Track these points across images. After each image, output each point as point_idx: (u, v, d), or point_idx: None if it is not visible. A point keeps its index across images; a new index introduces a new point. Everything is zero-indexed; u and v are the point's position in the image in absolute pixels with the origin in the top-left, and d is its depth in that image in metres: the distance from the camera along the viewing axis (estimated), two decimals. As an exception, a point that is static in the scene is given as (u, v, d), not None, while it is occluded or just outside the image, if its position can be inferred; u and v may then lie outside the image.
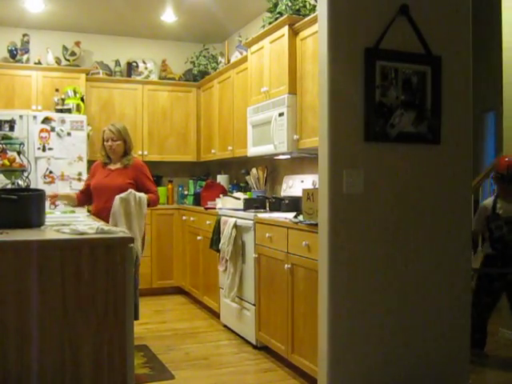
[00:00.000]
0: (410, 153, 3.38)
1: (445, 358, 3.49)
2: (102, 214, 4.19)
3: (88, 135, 6.38)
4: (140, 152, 6.66)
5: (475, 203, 5.56)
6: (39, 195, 3.00)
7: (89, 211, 4.83)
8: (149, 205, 4.36)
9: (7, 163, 3.55)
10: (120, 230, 2.74)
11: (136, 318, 3.93)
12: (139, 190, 4.31)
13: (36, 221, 2.91)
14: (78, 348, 2.47)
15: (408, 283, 3.34)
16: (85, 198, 4.66)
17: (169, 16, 6.27)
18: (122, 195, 4.09)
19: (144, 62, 7.21)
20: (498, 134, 6.95)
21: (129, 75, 7.12)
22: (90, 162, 6.25)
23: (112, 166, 4.52)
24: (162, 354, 4.25)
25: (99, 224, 2.90)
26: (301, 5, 4.67)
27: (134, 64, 7.16)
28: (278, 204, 4.81)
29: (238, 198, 5.29)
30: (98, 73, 6.87)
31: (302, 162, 5.24)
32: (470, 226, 3.68)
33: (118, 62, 7.10)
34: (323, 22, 3.21)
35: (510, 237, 4.15)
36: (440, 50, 3.42)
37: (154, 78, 7.20)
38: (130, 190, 4.14)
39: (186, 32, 7.01)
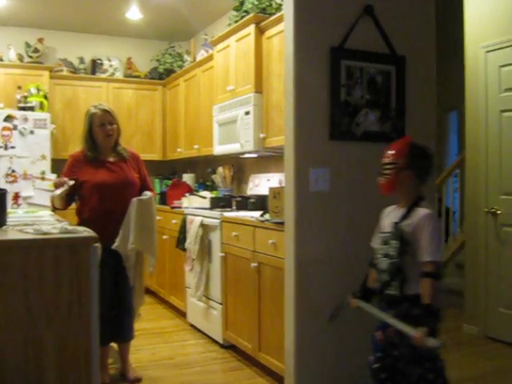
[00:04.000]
0: (375, 151, 3.39)
1: (409, 354, 3.54)
2: (113, 216, 3.56)
3: (52, 133, 6.28)
4: (105, 150, 6.58)
5: (438, 201, 5.66)
6: (1, 195, 2.93)
7: (81, 214, 3.70)
8: None
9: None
10: (85, 230, 2.70)
11: (130, 336, 3.83)
12: (141, 187, 3.78)
13: (-3, 221, 2.84)
14: (41, 349, 2.43)
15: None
16: (67, 199, 3.61)
17: (134, 13, 6.21)
18: (143, 198, 3.60)
19: (109, 60, 7.13)
20: (460, 132, 7.08)
21: (93, 73, 7.04)
22: (54, 161, 6.19)
23: (107, 159, 3.70)
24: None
25: (63, 224, 2.85)
26: (267, 3, 4.68)
27: (99, 61, 7.08)
28: (245, 203, 4.81)
29: (205, 197, 5.28)
30: (62, 70, 6.78)
31: (269, 160, 5.25)
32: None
33: (82, 60, 7.01)
34: (289, 21, 3.22)
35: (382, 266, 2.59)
36: (404, 49, 3.46)
37: (119, 75, 7.13)
38: (150, 194, 3.66)
39: (151, 30, 6.97)
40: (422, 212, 2.47)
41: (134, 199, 3.57)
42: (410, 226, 2.45)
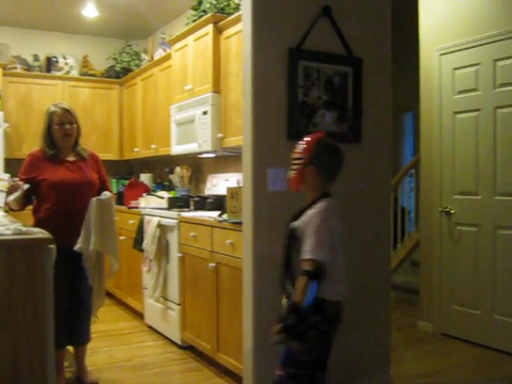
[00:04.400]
0: (332, 152, 3.44)
1: (366, 352, 3.59)
2: (70, 216, 3.51)
3: (5, 132, 6.14)
4: (60, 150, 6.47)
5: (394, 201, 5.75)
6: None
7: (37, 214, 3.62)
8: None
9: None
10: (39, 231, 2.65)
11: (87, 339, 3.78)
12: (100, 188, 3.73)
13: None
14: (-6, 354, 2.38)
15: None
16: (23, 200, 3.54)
17: (90, 11, 6.11)
18: (102, 198, 3.52)
19: (64, 58, 7.00)
20: (415, 133, 7.21)
21: (48, 71, 6.90)
22: (7, 160, 6.05)
23: (66, 158, 3.65)
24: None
25: (16, 225, 2.79)
26: (225, 3, 4.67)
27: (54, 59, 6.94)
28: (203, 203, 4.79)
29: (162, 197, 5.24)
30: (16, 67, 6.62)
31: (227, 160, 5.24)
32: (389, 221, 3.79)
33: (36, 57, 6.87)
34: (247, 21, 3.22)
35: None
36: (361, 51, 3.51)
37: (74, 73, 7.01)
38: (109, 194, 3.60)
39: (108, 27, 6.88)
40: (313, 209, 2.42)
41: (94, 199, 3.49)
42: (301, 223, 2.42)
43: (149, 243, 4.72)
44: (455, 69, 4.72)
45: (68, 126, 3.61)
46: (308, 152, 2.45)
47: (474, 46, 4.56)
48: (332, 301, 2.42)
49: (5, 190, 3.49)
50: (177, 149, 5.28)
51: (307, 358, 2.40)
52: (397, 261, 6.29)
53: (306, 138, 2.51)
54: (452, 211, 4.74)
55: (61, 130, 3.60)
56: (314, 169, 2.44)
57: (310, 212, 2.41)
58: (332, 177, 2.50)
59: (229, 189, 3.74)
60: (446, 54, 4.79)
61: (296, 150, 2.50)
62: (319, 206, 2.42)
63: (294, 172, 2.49)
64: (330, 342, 2.46)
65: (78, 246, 3.46)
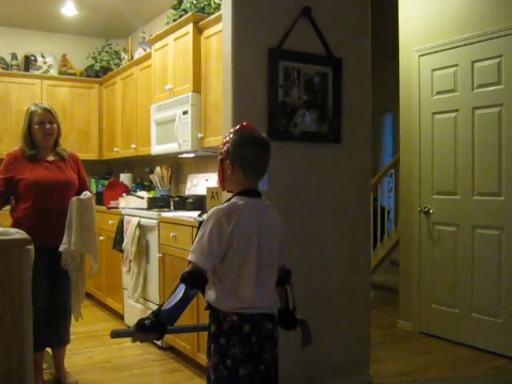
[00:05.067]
0: (312, 152, 3.46)
1: (346, 351, 3.61)
2: (48, 216, 3.48)
3: (-18, 132, 6.07)
4: (39, 150, 6.40)
5: (374, 201, 5.78)
6: None
7: (15, 213, 3.56)
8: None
9: None
10: (16, 232, 2.62)
11: (66, 341, 3.74)
12: (80, 189, 3.69)
13: None
14: (-30, 356, 2.35)
15: (312, 277, 3.42)
16: (1, 200, 3.54)
17: (69, 9, 6.06)
18: (82, 197, 3.50)
19: (43, 56, 6.93)
20: (395, 133, 7.26)
21: (26, 69, 6.82)
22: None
23: (46, 158, 3.62)
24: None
25: (-6, 225, 2.76)
26: (206, 3, 4.66)
27: (32, 58, 6.87)
28: (183, 203, 4.78)
29: (142, 197, 5.22)
30: (-7, 66, 6.55)
31: (207, 160, 5.23)
32: (369, 220, 3.82)
33: (14, 56, 6.78)
34: (227, 21, 3.22)
35: None
36: (341, 52, 3.52)
37: (53, 72, 6.95)
38: (90, 194, 3.58)
39: (87, 26, 6.82)
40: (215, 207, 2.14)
41: (74, 198, 3.47)
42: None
43: (128, 243, 4.70)
44: (434, 70, 4.77)
45: (48, 126, 3.58)
46: (226, 145, 2.17)
47: (452, 48, 4.61)
48: (227, 312, 2.11)
49: None
50: (157, 149, 5.26)
51: (214, 377, 2.12)
52: (376, 260, 6.33)
53: (230, 130, 2.26)
54: (431, 211, 4.78)
55: (41, 130, 3.56)
56: (230, 163, 2.15)
57: (213, 208, 2.13)
58: (252, 172, 2.16)
59: (209, 189, 3.73)
60: (424, 55, 4.83)
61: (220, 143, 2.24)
62: (223, 205, 2.13)
63: (217, 167, 2.23)
64: (237, 363, 2.09)
65: (63, 247, 3.43)
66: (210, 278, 2.11)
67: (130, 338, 2.10)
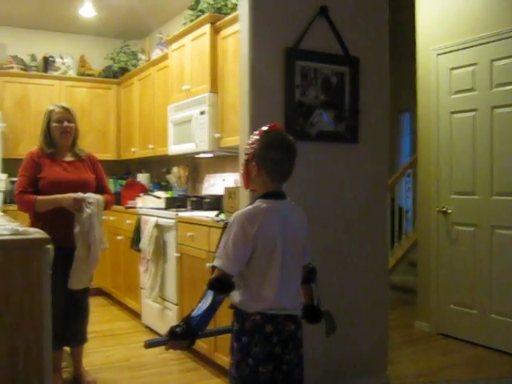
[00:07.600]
0: (329, 151, 3.45)
1: (363, 351, 3.59)
2: (66, 215, 3.48)
3: (2, 132, 6.13)
4: (57, 150, 6.45)
5: (391, 201, 5.76)
6: None
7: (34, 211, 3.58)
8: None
9: None
10: (36, 231, 2.65)
11: (83, 340, 3.78)
12: (97, 188, 3.74)
13: None
14: (-9, 354, 2.37)
15: (329, 278, 3.41)
16: None
17: (87, 10, 6.10)
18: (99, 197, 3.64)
19: (61, 57, 6.98)
20: (413, 133, 7.21)
21: (45, 70, 6.88)
22: (5, 161, 6.04)
23: (64, 158, 3.67)
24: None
25: (14, 225, 2.79)
26: (222, 3, 4.67)
27: (51, 59, 6.92)
28: (200, 203, 4.79)
29: (159, 197, 5.23)
30: (12, 67, 6.59)
31: (224, 160, 5.24)
32: (386, 221, 3.79)
33: (33, 57, 6.85)
34: (244, 21, 3.22)
35: None
36: (358, 51, 3.51)
37: (71, 73, 7.00)
38: (98, 197, 3.62)
39: (105, 27, 6.86)
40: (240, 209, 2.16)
41: (101, 197, 3.64)
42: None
43: (146, 243, 4.72)
44: (452, 69, 4.73)
45: (66, 124, 3.63)
46: (252, 146, 2.16)
47: (470, 46, 4.57)
48: (250, 313, 2.13)
49: (2, 189, 3.50)
50: (174, 149, 5.28)
51: (236, 374, 2.16)
52: (394, 260, 6.30)
53: (256, 131, 2.23)
54: (449, 211, 4.75)
55: (59, 128, 3.62)
56: (256, 165, 2.13)
57: (236, 212, 2.15)
58: (278, 175, 2.16)
59: (226, 189, 3.74)
60: (443, 54, 4.79)
61: (246, 144, 2.23)
62: (246, 208, 2.14)
63: (241, 169, 2.22)
64: (257, 362, 2.11)
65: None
66: (235, 281, 2.13)
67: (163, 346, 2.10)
